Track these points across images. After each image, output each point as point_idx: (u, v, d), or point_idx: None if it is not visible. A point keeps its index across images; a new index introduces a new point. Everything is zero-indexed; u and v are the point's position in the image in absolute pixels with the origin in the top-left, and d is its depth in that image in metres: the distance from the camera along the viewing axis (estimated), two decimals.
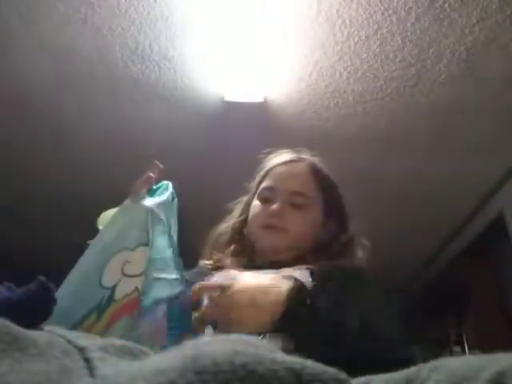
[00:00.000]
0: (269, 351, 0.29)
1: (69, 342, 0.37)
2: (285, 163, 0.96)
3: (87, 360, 0.35)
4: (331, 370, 0.29)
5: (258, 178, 0.99)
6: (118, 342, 0.43)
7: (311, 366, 0.28)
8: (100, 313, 0.66)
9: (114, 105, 2.17)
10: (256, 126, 2.23)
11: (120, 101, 2.14)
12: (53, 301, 0.50)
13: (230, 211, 1.01)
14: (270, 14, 1.67)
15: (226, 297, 0.64)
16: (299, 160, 0.97)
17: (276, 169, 0.96)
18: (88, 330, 0.64)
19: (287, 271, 0.77)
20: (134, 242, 0.70)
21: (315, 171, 0.94)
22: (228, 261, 0.90)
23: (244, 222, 0.96)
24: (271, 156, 0.99)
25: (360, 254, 0.91)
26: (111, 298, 0.66)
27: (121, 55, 1.88)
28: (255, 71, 1.94)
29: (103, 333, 0.62)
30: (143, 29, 1.76)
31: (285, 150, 1.00)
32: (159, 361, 0.26)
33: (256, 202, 0.93)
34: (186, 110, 2.19)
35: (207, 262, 0.93)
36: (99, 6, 1.66)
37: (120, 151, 2.49)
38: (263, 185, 0.95)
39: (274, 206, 0.88)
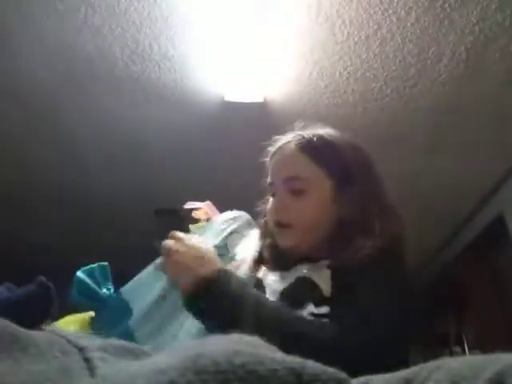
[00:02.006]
0: (269, 351, 0.29)
1: (69, 341, 0.37)
2: (275, 152, 0.90)
3: (87, 360, 0.35)
4: (331, 370, 0.29)
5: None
6: (118, 342, 0.42)
7: (311, 365, 0.28)
8: None
9: (114, 105, 2.17)
10: (256, 125, 2.23)
11: (120, 101, 2.14)
12: (53, 301, 0.50)
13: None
14: (270, 14, 1.67)
15: (168, 259, 0.73)
16: (287, 142, 0.89)
17: (271, 161, 0.91)
18: None
19: (305, 271, 0.77)
20: None
21: (304, 146, 0.85)
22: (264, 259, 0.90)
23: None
24: (269, 148, 0.95)
25: (392, 226, 0.79)
26: None
27: (121, 55, 1.88)
28: (255, 71, 1.94)
29: None
30: (143, 29, 1.76)
31: (278, 137, 0.93)
32: (159, 360, 0.26)
33: (270, 199, 0.91)
34: (186, 110, 2.19)
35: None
36: (99, 6, 1.66)
37: (120, 151, 2.49)
38: (267, 180, 0.92)
39: (275, 201, 0.86)
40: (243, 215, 0.96)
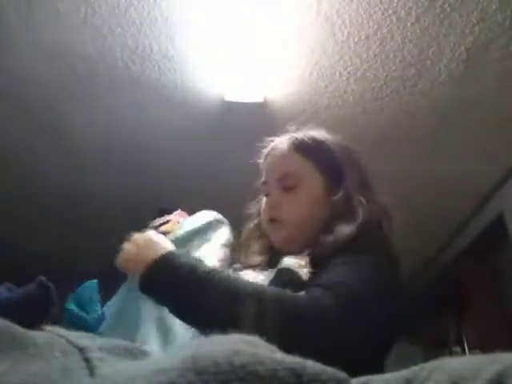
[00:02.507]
0: (269, 351, 0.29)
1: (69, 342, 0.37)
2: (268, 153, 0.94)
3: (87, 360, 0.35)
4: (331, 370, 0.29)
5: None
6: (118, 342, 0.43)
7: (311, 365, 0.28)
8: None
9: (114, 105, 2.17)
10: (256, 125, 2.23)
11: (120, 101, 2.14)
12: (52, 301, 0.50)
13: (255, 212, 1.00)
14: (269, 14, 1.67)
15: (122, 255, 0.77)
16: (280, 143, 0.92)
17: (265, 161, 0.94)
18: None
19: (286, 261, 0.78)
20: None
21: (297, 146, 0.88)
22: (257, 259, 0.91)
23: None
24: (263, 150, 0.97)
25: (374, 216, 0.80)
26: None
27: (121, 55, 1.88)
28: (255, 71, 1.94)
29: None
30: (143, 29, 1.76)
31: (271, 139, 0.97)
32: (159, 361, 0.26)
33: (263, 199, 0.93)
34: (185, 110, 2.19)
35: (239, 263, 0.94)
36: (99, 6, 1.66)
37: (120, 151, 2.49)
38: (261, 180, 0.95)
39: (268, 199, 0.89)
40: (212, 214, 0.97)
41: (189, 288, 0.67)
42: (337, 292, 0.63)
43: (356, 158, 0.91)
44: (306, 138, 0.89)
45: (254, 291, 0.64)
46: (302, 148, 0.88)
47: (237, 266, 0.93)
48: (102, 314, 0.72)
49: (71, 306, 0.69)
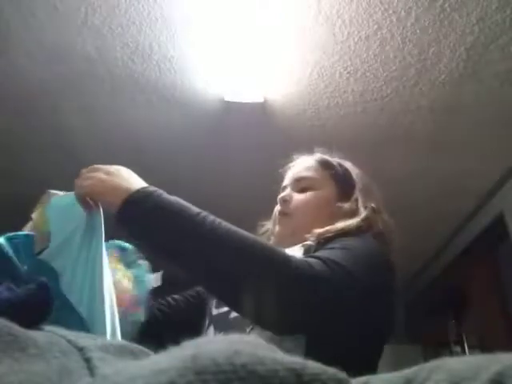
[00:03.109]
0: (269, 351, 0.29)
1: (69, 341, 0.37)
2: (294, 164, 1.02)
3: (87, 360, 0.35)
4: (331, 370, 0.29)
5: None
6: (118, 342, 0.43)
7: (311, 365, 0.28)
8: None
9: (114, 105, 2.17)
10: (256, 126, 2.23)
11: (120, 101, 2.14)
12: (53, 301, 0.50)
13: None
14: (269, 14, 1.67)
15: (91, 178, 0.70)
16: (307, 157, 1.00)
17: (289, 170, 1.01)
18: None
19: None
20: None
21: (321, 161, 0.96)
22: None
23: None
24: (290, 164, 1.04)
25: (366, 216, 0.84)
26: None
27: (121, 55, 1.88)
28: (255, 71, 1.94)
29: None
30: (143, 29, 1.76)
31: (300, 155, 1.04)
32: (159, 360, 0.26)
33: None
34: (185, 111, 2.19)
35: None
36: (99, 6, 1.66)
37: (120, 151, 2.49)
38: (281, 186, 1.01)
39: (282, 194, 0.94)
40: None
41: (183, 227, 0.62)
42: (332, 268, 0.64)
43: (371, 185, 0.96)
44: (330, 159, 0.97)
45: (264, 252, 0.62)
46: (324, 162, 0.96)
47: None
48: (33, 260, 0.61)
49: (4, 243, 0.58)
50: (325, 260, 0.64)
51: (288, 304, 0.60)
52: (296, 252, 0.75)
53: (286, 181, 0.99)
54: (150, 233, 0.64)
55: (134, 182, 0.68)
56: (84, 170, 0.72)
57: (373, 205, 0.86)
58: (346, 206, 0.87)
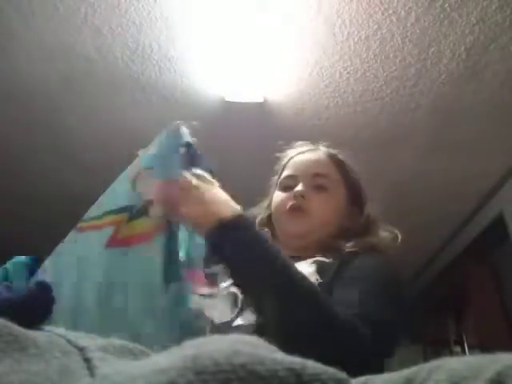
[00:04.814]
0: (269, 351, 0.29)
1: (69, 341, 0.37)
2: (302, 152, 0.97)
3: (87, 360, 0.35)
4: (331, 370, 0.29)
5: (278, 173, 0.99)
6: (118, 341, 0.42)
7: (311, 365, 0.28)
8: (131, 218, 0.71)
9: (114, 105, 2.17)
10: (256, 126, 2.23)
11: (120, 101, 2.14)
12: (53, 301, 0.50)
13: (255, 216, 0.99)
14: (269, 14, 1.67)
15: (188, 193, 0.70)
16: (316, 149, 0.98)
17: (294, 158, 0.96)
18: (117, 225, 0.70)
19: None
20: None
21: (334, 157, 0.94)
22: None
23: (269, 217, 0.95)
24: (288, 150, 1.00)
25: (383, 234, 0.87)
26: (143, 213, 0.71)
27: (121, 55, 1.88)
28: (255, 71, 1.94)
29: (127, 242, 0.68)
30: (143, 29, 1.76)
31: (301, 143, 1.01)
32: (159, 360, 0.26)
33: (278, 193, 0.93)
34: (185, 110, 2.19)
35: None
36: (99, 6, 1.66)
37: (120, 151, 2.49)
38: (283, 175, 0.95)
39: (298, 187, 0.88)
40: None
41: (262, 263, 0.63)
42: (374, 328, 0.62)
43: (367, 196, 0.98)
44: (339, 156, 0.96)
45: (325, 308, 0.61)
46: (335, 160, 0.94)
47: None
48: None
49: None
50: (372, 324, 0.62)
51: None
52: (305, 268, 0.72)
53: (296, 171, 0.92)
54: (239, 260, 0.65)
55: (223, 208, 0.69)
56: (182, 185, 0.71)
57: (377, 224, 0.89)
58: (361, 216, 0.90)
